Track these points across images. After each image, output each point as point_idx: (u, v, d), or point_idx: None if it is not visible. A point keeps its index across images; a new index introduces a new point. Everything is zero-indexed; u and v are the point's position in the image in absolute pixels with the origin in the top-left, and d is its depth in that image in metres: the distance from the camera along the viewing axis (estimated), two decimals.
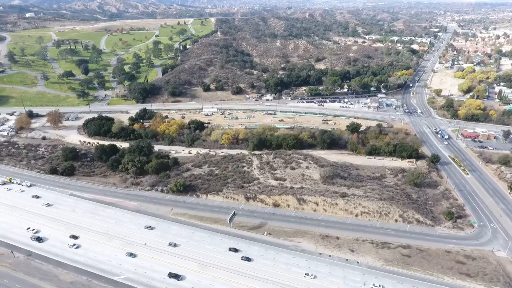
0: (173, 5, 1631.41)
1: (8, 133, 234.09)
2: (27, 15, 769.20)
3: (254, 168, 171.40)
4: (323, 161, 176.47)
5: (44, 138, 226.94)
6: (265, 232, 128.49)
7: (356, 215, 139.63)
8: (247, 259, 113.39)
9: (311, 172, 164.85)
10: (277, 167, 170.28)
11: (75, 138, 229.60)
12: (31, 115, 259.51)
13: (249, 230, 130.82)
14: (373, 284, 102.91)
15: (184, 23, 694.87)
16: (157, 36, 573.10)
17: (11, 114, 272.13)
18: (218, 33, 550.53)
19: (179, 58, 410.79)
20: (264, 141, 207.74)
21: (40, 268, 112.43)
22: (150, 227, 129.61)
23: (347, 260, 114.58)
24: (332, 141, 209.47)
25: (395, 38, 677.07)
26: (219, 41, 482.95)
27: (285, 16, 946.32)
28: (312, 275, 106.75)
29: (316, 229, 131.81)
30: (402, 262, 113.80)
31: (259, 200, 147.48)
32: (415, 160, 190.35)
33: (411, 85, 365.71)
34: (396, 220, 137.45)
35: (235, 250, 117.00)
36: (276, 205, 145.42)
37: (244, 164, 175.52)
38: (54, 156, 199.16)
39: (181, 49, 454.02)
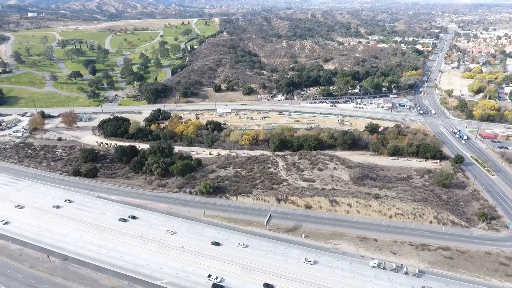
0: (172, 5, 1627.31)
1: (22, 134, 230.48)
2: (29, 15, 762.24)
3: (281, 169, 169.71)
4: (349, 162, 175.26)
5: (60, 139, 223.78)
6: (303, 235, 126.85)
7: (390, 217, 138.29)
8: (287, 262, 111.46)
9: (340, 173, 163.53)
10: (304, 168, 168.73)
11: (91, 139, 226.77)
12: (43, 116, 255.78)
13: (286, 232, 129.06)
14: (423, 287, 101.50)
15: (188, 23, 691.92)
16: (162, 36, 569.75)
17: (23, 115, 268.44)
18: (224, 33, 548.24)
19: (188, 58, 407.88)
20: (285, 142, 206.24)
21: (79, 272, 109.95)
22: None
23: (390, 262, 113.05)
24: (352, 142, 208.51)
25: (398, 39, 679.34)
26: (226, 41, 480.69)
27: (287, 16, 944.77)
28: (357, 278, 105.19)
29: (352, 231, 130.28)
30: (447, 264, 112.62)
31: (290, 201, 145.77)
32: (439, 160, 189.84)
33: (420, 85, 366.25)
34: (430, 222, 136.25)
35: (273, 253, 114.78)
36: (308, 206, 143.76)
37: (270, 165, 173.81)
38: (72, 157, 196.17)
39: (189, 49, 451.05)
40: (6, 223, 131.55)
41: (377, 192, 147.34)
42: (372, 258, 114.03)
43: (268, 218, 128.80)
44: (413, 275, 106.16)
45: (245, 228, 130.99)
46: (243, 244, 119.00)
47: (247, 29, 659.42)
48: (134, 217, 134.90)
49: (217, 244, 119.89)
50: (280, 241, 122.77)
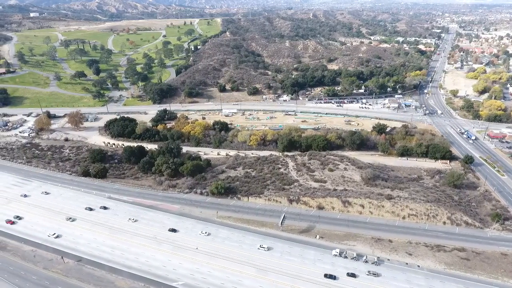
0: (172, 5, 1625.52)
1: (29, 134, 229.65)
2: (31, 15, 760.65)
3: (291, 170, 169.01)
4: (359, 162, 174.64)
5: (66, 140, 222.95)
6: (317, 236, 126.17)
7: (404, 218, 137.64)
8: (303, 263, 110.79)
9: (351, 173, 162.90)
10: (314, 168, 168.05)
11: (98, 139, 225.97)
12: (49, 116, 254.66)
13: (300, 233, 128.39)
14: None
15: (190, 23, 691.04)
16: (164, 36, 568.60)
17: (28, 115, 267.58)
18: (227, 33, 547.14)
19: (191, 58, 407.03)
20: (293, 142, 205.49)
21: (93, 274, 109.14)
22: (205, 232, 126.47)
23: (407, 263, 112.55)
24: (361, 142, 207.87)
25: (400, 39, 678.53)
26: (229, 41, 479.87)
27: (289, 16, 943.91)
28: (374, 280, 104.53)
29: (366, 232, 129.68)
30: (464, 265, 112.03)
31: (302, 202, 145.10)
32: (448, 161, 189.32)
33: (425, 85, 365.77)
34: (444, 223, 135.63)
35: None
36: (320, 207, 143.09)
37: (280, 166, 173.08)
38: (80, 158, 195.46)
39: (192, 49, 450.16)
40: (14, 223, 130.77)
41: (390, 192, 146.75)
42: (388, 259, 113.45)
43: (282, 219, 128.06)
44: (372, 263, 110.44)
45: (258, 229, 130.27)
46: (263, 246, 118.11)
47: (249, 29, 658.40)
48: (146, 218, 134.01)
49: (230, 245, 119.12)
50: (295, 242, 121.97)
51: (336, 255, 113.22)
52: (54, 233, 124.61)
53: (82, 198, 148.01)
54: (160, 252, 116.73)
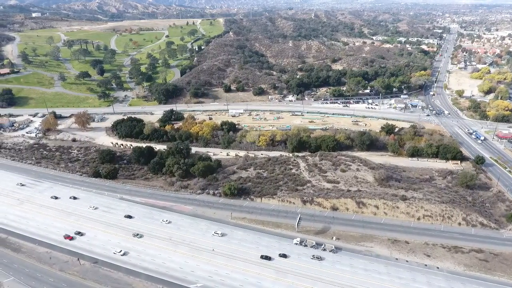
0: (172, 5, 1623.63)
1: (36, 135, 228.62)
2: (34, 15, 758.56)
3: (303, 171, 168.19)
4: (371, 163, 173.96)
5: (74, 140, 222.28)
6: (334, 237, 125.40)
7: (418, 219, 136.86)
8: (322, 265, 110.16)
9: (363, 174, 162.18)
10: (326, 169, 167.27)
11: (105, 139, 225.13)
12: (55, 116, 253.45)
13: (315, 234, 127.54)
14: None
15: (193, 23, 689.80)
16: (167, 36, 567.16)
17: (34, 116, 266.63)
18: (231, 33, 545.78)
19: (196, 58, 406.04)
20: (303, 143, 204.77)
21: (110, 276, 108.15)
22: (217, 233, 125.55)
23: (426, 265, 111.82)
24: (370, 143, 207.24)
25: (402, 39, 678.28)
26: (233, 41, 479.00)
27: (290, 16, 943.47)
28: (394, 281, 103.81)
29: (382, 233, 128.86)
30: (483, 267, 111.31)
31: (316, 203, 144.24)
32: (459, 161, 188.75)
33: (429, 86, 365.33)
34: (459, 224, 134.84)
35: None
36: (334, 208, 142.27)
37: (291, 167, 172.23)
38: (89, 158, 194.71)
39: (196, 49, 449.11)
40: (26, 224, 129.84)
41: (404, 193, 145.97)
42: (407, 261, 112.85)
43: (299, 221, 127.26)
44: (329, 251, 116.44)
45: (274, 230, 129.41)
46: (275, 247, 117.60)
47: (252, 29, 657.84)
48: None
49: (247, 246, 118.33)
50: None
51: (297, 244, 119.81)
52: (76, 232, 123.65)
53: (96, 199, 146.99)
54: (177, 253, 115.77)
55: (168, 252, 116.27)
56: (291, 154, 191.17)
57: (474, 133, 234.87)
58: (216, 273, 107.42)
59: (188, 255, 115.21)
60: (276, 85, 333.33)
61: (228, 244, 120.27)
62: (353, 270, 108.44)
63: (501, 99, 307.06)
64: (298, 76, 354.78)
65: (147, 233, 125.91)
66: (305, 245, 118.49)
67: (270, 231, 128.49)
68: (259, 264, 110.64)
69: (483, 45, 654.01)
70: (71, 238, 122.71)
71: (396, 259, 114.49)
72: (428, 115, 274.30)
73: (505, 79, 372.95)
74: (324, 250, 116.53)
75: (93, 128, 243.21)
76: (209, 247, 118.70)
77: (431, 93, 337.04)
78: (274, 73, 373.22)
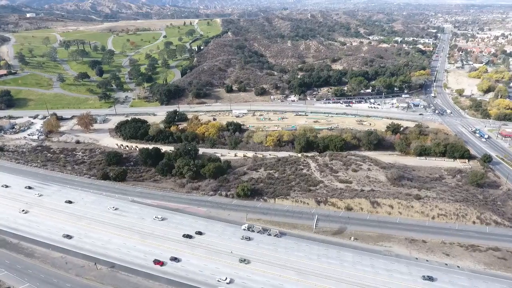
0: (166, 5, 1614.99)
1: (38, 137, 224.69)
2: (28, 15, 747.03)
3: (314, 171, 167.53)
4: (382, 162, 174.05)
5: (78, 142, 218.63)
6: (352, 237, 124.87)
7: (433, 218, 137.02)
8: (343, 266, 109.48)
9: (375, 174, 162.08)
10: (337, 169, 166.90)
11: (110, 141, 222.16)
12: (57, 118, 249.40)
13: (333, 235, 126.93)
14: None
15: (190, 23, 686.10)
16: (165, 36, 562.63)
17: (34, 117, 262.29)
18: (229, 33, 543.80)
19: (195, 59, 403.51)
20: (310, 143, 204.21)
21: (129, 280, 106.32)
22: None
23: (446, 264, 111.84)
24: (377, 142, 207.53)
25: (398, 39, 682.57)
26: (232, 41, 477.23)
27: (286, 16, 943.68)
28: (417, 281, 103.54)
29: (398, 233, 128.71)
30: (503, 265, 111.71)
31: (330, 203, 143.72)
32: (467, 160, 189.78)
33: (429, 85, 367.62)
34: (473, 222, 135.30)
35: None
36: (348, 208, 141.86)
37: (302, 167, 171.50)
38: (95, 160, 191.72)
39: (195, 49, 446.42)
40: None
41: (417, 192, 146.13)
42: (427, 260, 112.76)
43: (316, 221, 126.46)
44: (274, 235, 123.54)
45: (291, 231, 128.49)
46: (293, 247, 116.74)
47: (249, 30, 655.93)
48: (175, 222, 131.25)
49: (265, 248, 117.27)
50: (331, 244, 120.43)
51: (245, 229, 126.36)
52: (80, 238, 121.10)
53: (107, 202, 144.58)
54: (195, 256, 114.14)
55: (186, 255, 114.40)
56: (299, 155, 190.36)
57: (478, 132, 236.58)
58: (237, 275, 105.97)
59: (207, 257, 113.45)
60: (278, 85, 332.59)
61: (246, 246, 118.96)
62: (375, 271, 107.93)
63: (501, 97, 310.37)
64: (299, 76, 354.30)
65: (163, 236, 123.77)
66: (252, 231, 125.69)
67: (288, 232, 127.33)
68: (280, 266, 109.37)
69: (478, 45, 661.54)
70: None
71: (416, 258, 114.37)
72: (436, 113, 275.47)
73: (502, 78, 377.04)
74: (269, 235, 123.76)
75: (96, 130, 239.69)
76: (227, 249, 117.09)
77: (432, 94, 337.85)
78: (275, 73, 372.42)
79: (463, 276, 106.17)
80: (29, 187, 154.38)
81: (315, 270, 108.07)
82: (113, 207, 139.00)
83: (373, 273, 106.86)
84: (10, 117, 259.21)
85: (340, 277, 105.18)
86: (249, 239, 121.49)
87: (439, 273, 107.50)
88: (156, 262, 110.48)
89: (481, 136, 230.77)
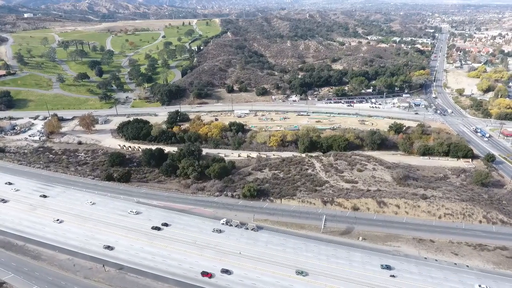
0: (163, 5, 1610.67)
1: (39, 138, 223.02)
2: (25, 15, 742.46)
3: (319, 171, 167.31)
4: (387, 162, 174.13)
5: (80, 143, 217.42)
6: (360, 237, 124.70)
7: (440, 217, 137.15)
8: (352, 266, 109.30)
9: (381, 173, 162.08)
10: (342, 169, 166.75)
11: (112, 142, 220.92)
12: (58, 119, 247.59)
13: (341, 235, 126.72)
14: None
15: (189, 23, 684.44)
16: (164, 37, 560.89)
17: (35, 118, 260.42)
18: (229, 33, 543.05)
19: (195, 59, 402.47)
20: (314, 143, 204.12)
21: (138, 282, 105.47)
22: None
23: (455, 264, 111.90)
24: (381, 142, 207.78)
25: (397, 39, 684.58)
26: (232, 42, 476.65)
27: (284, 16, 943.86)
28: (427, 281, 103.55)
29: (406, 233, 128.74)
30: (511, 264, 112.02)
31: (337, 203, 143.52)
32: (470, 159, 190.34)
33: (429, 85, 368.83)
34: (480, 221, 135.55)
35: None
36: (355, 208, 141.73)
37: (307, 167, 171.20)
38: (98, 161, 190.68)
39: (196, 50, 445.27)
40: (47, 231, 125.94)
41: (424, 192, 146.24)
42: (436, 260, 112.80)
43: (324, 222, 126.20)
44: (251, 229, 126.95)
45: (298, 231, 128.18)
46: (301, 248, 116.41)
47: (248, 30, 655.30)
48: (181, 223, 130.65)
49: (274, 249, 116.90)
50: (339, 244, 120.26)
51: (223, 224, 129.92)
52: (86, 240, 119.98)
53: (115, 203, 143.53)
54: (204, 258, 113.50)
55: (194, 256, 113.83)
56: (304, 155, 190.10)
57: (480, 131, 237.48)
58: (247, 276, 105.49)
59: (215, 258, 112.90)
60: (279, 85, 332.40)
61: (254, 246, 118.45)
62: (382, 270, 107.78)
63: (501, 97, 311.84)
64: (299, 76, 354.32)
65: (170, 237, 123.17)
66: (230, 225, 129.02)
67: (295, 233, 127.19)
68: (289, 267, 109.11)
69: (476, 44, 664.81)
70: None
71: (425, 258, 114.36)
72: (437, 113, 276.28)
73: (502, 77, 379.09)
74: (247, 229, 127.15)
75: (98, 131, 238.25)
76: (235, 250, 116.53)
77: (433, 95, 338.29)
78: (276, 73, 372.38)
79: (473, 276, 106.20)
80: (37, 190, 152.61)
81: (325, 270, 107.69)
82: (135, 211, 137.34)
83: (381, 273, 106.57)
84: (11, 118, 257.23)
85: (349, 278, 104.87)
86: (220, 231, 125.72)
87: (449, 272, 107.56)
88: None
89: (482, 135, 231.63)
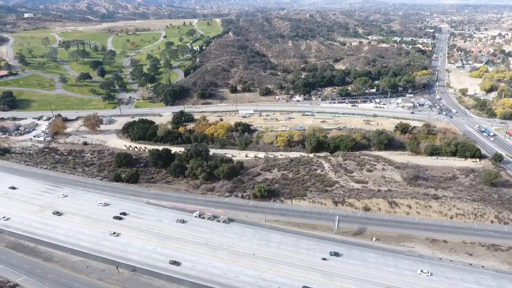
0: (162, 5, 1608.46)
1: (44, 139, 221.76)
2: (25, 15, 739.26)
3: (328, 171, 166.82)
4: (396, 162, 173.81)
5: (85, 143, 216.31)
6: (373, 238, 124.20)
7: (451, 217, 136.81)
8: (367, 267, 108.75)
9: (390, 174, 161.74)
10: (351, 169, 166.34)
11: (117, 142, 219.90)
12: (63, 119, 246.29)
13: (353, 236, 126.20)
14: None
15: (190, 23, 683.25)
16: (165, 37, 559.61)
17: (39, 119, 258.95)
18: (230, 33, 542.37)
19: (198, 59, 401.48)
20: (321, 143, 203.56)
21: (152, 284, 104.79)
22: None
23: (471, 264, 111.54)
24: (387, 142, 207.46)
25: (397, 39, 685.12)
26: (234, 42, 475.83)
27: (284, 16, 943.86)
28: (443, 281, 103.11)
29: (418, 233, 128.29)
30: None
31: (348, 204, 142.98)
32: (478, 159, 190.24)
33: (432, 84, 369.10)
34: (491, 221, 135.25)
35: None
36: (366, 209, 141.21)
37: (315, 167, 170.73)
38: (104, 162, 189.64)
39: (198, 50, 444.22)
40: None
41: (435, 192, 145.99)
42: (451, 261, 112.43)
43: (337, 222, 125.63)
44: (223, 221, 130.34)
45: (311, 232, 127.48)
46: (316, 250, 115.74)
47: (249, 30, 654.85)
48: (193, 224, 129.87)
49: (287, 250, 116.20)
50: (353, 245, 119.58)
51: (196, 216, 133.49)
52: (99, 241, 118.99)
53: (121, 204, 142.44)
54: (217, 259, 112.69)
55: (207, 258, 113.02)
56: (311, 155, 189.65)
57: (485, 131, 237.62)
58: (261, 277, 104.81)
59: (229, 260, 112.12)
60: (283, 85, 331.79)
61: (268, 247, 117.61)
62: (399, 271, 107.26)
63: (504, 97, 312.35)
64: (303, 76, 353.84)
65: (183, 238, 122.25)
66: (203, 218, 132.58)
67: (307, 233, 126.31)
68: (304, 268, 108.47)
69: (476, 44, 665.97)
70: None
71: (440, 258, 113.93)
72: (442, 113, 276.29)
73: (504, 77, 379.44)
74: (219, 221, 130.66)
75: (103, 131, 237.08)
76: (249, 251, 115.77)
77: (437, 96, 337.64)
78: (279, 73, 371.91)
79: (488, 276, 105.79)
80: (44, 192, 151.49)
81: (337, 271, 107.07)
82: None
83: (397, 274, 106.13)
84: (14, 119, 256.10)
85: (365, 278, 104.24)
86: (183, 221, 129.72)
87: (464, 273, 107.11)
88: None
89: (487, 134, 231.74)
